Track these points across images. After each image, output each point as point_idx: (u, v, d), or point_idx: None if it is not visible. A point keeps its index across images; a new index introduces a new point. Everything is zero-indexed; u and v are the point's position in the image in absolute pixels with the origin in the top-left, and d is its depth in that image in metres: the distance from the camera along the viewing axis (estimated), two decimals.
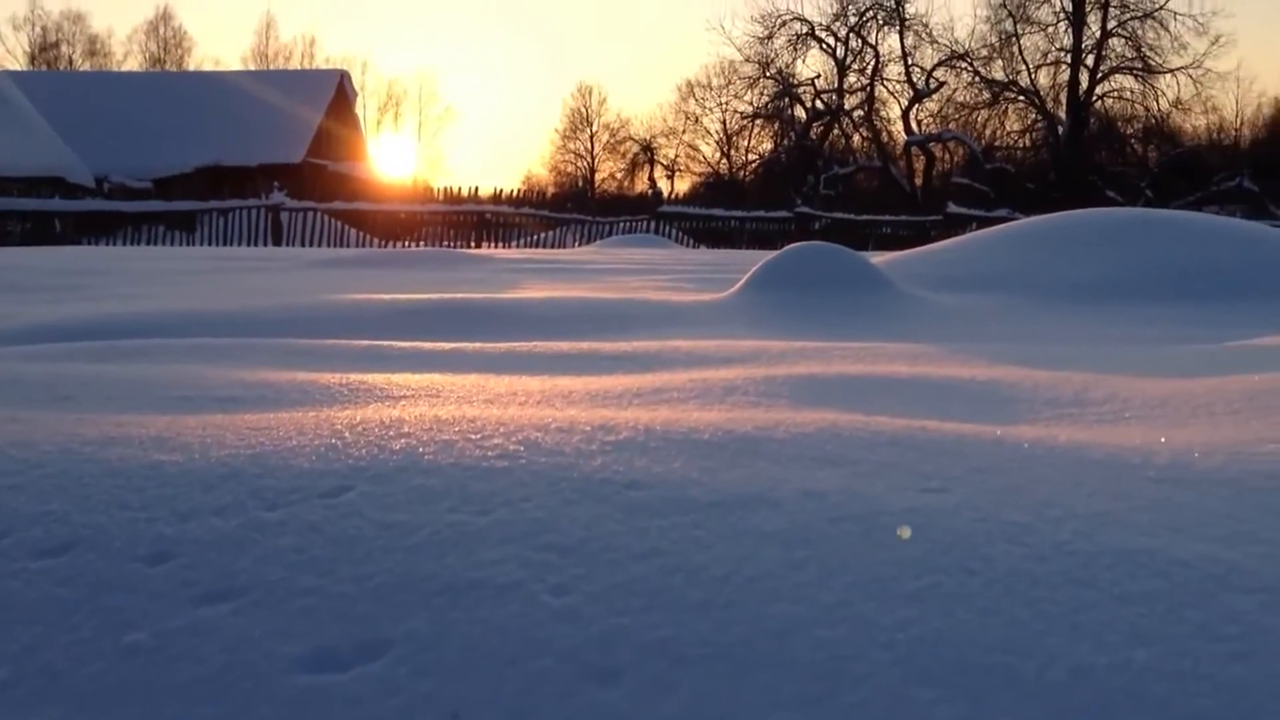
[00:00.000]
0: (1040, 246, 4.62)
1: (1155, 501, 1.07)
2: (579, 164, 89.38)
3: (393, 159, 79.52)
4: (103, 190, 31.28)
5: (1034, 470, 1.17)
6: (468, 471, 1.08)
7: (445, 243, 24.98)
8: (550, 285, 5.92)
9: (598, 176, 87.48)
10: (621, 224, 25.21)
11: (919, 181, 36.33)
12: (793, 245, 4.26)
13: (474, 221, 24.87)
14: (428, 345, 2.76)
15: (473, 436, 1.23)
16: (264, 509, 0.99)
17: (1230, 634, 0.81)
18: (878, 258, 5.00)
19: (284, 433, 1.27)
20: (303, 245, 23.35)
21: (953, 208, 27.39)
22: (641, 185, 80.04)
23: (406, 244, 24.78)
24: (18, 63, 76.46)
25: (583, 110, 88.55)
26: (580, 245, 24.97)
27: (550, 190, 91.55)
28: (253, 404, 1.84)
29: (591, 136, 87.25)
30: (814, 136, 39.68)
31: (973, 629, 0.81)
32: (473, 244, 24.54)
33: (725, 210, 25.63)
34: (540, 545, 0.92)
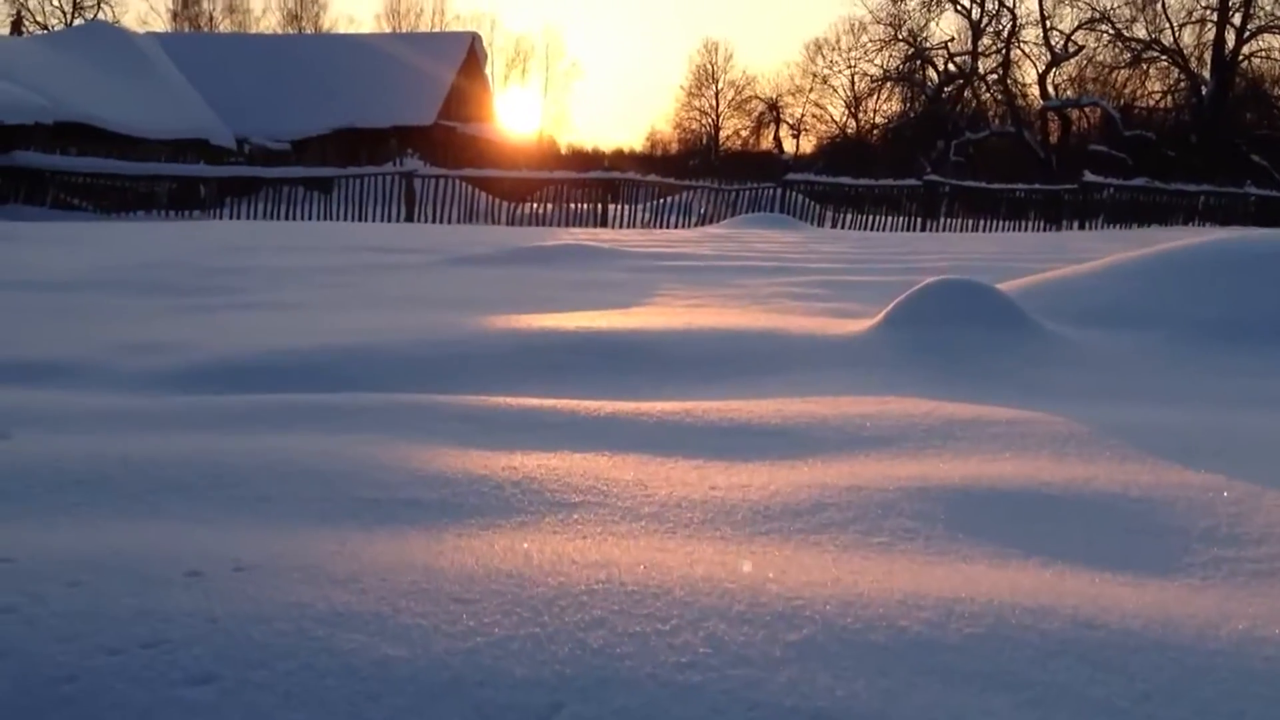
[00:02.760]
0: (1187, 276, 4.54)
1: None
2: (704, 121, 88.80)
3: (519, 115, 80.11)
4: (244, 152, 32.23)
5: (1199, 691, 1.23)
6: (665, 687, 1.19)
7: (571, 204, 25.19)
8: (687, 295, 6.00)
9: (722, 134, 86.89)
10: (747, 191, 25.10)
11: (1054, 147, 35.37)
12: (932, 281, 4.27)
13: (602, 187, 24.99)
14: (583, 409, 2.87)
15: (661, 628, 1.33)
16: None
17: None
18: (1014, 284, 4.96)
19: (489, 614, 1.38)
20: (435, 208, 23.77)
21: (1088, 176, 26.64)
22: (766, 143, 79.39)
23: (534, 206, 25.05)
24: (161, 20, 78.48)
25: (708, 67, 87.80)
26: (707, 209, 24.98)
27: (674, 146, 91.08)
28: (436, 512, 1.98)
29: (717, 94, 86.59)
30: (945, 100, 38.88)
31: None
32: (600, 205, 24.71)
33: (852, 179, 25.31)
34: None
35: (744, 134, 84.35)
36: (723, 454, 2.49)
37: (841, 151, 58.40)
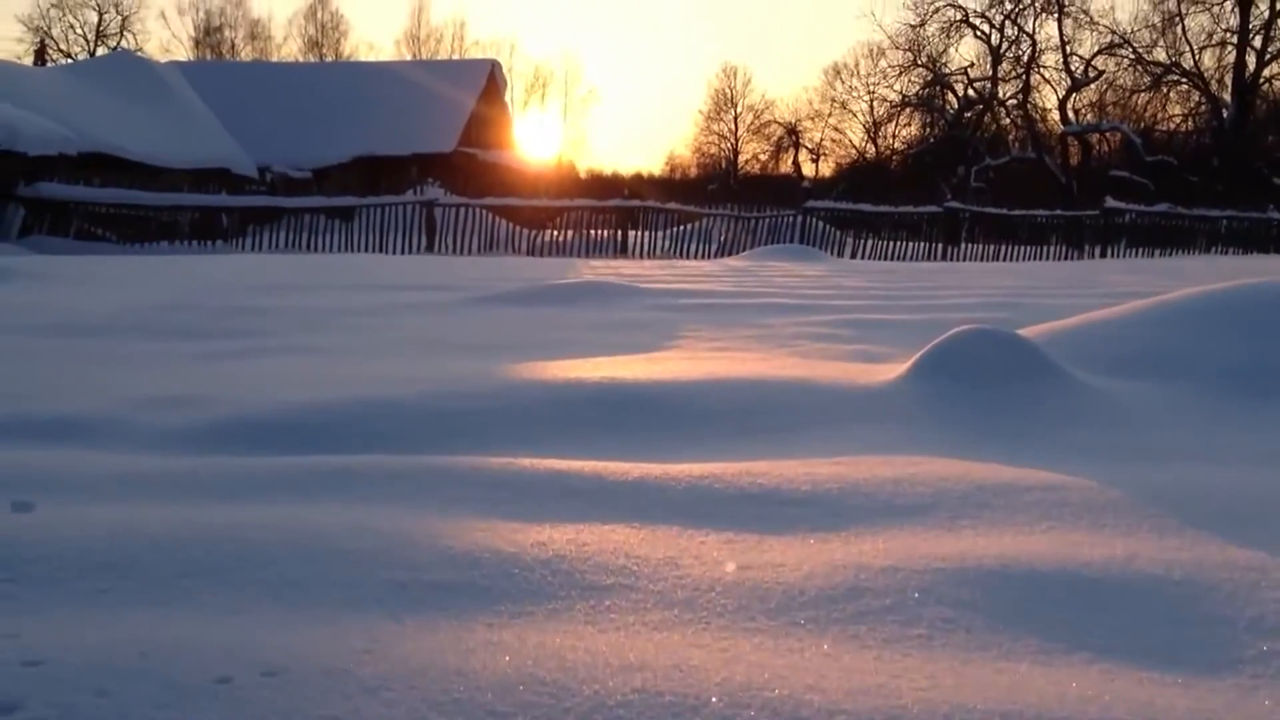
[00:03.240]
0: (1217, 323, 4.48)
1: None
2: (722, 145, 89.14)
3: (539, 140, 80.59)
4: (265, 180, 32.40)
5: None
6: None
7: (591, 232, 25.21)
8: (710, 337, 5.97)
9: (740, 158, 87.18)
10: (767, 219, 25.13)
11: (1075, 171, 35.27)
12: (961, 331, 4.22)
13: (622, 215, 25.06)
14: (612, 472, 2.84)
15: None
16: None
17: None
18: (1042, 329, 4.91)
19: None
20: (455, 237, 23.83)
21: (1110, 202, 26.58)
22: (785, 167, 79.54)
23: (554, 234, 25.07)
24: (183, 47, 79.27)
25: (727, 91, 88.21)
26: (727, 236, 24.96)
27: (693, 170, 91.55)
28: (465, 598, 1.95)
29: (735, 118, 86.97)
30: (965, 126, 38.86)
31: None
32: (620, 233, 24.74)
33: (873, 205, 25.30)
34: None
35: (763, 158, 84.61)
36: (753, 526, 2.46)
37: (861, 175, 58.42)
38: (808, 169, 78.31)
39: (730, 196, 68.19)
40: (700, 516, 2.52)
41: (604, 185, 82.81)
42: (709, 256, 24.55)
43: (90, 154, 24.09)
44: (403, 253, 23.49)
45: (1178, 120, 46.68)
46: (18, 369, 4.82)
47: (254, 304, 7.13)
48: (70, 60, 73.08)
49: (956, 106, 39.20)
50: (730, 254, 24.83)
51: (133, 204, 22.21)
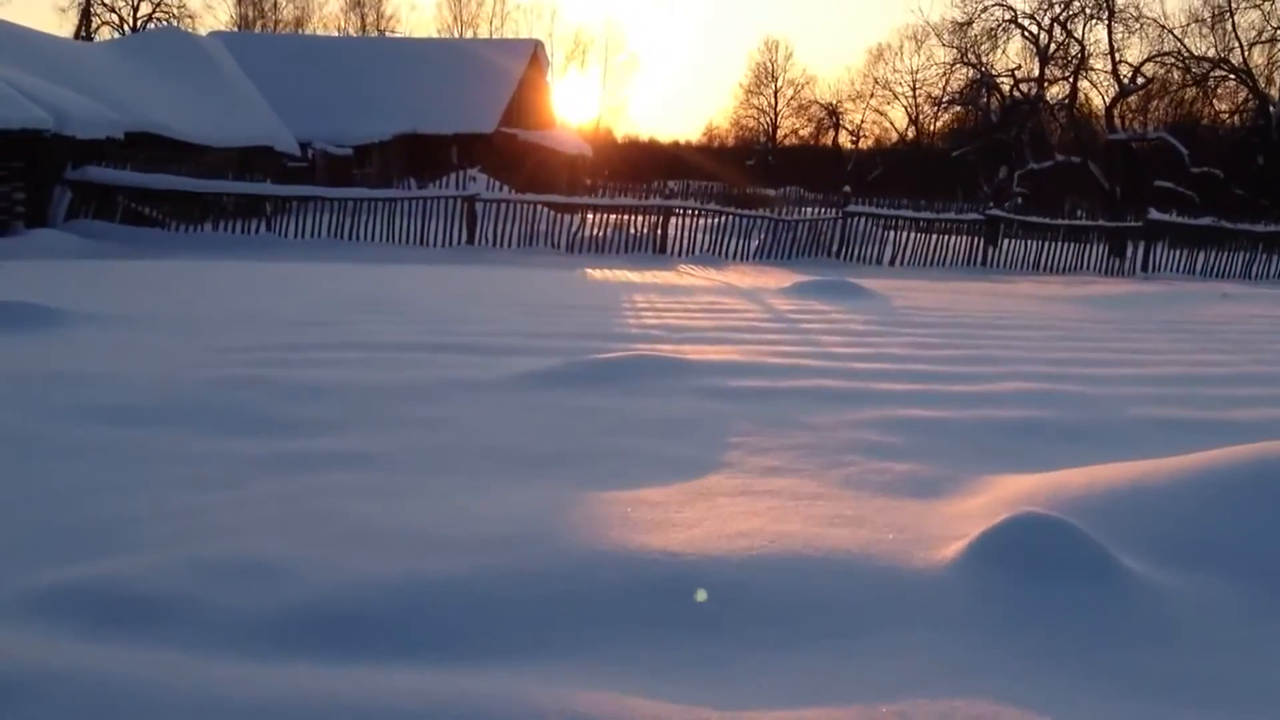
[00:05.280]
0: (1271, 500, 4.48)
1: None
2: (761, 119, 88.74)
3: (576, 104, 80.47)
4: (307, 157, 32.51)
5: None
6: None
7: (629, 219, 25.18)
8: (762, 447, 5.99)
9: (780, 133, 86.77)
10: (806, 224, 25.12)
11: (1120, 178, 34.95)
12: (1016, 521, 4.24)
13: (662, 213, 25.12)
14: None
15: None
16: None
17: None
18: (1097, 488, 4.92)
19: None
20: (495, 226, 23.92)
21: (1154, 214, 26.45)
22: (825, 142, 79.02)
23: (593, 229, 25.08)
24: (226, 3, 79.16)
25: (768, 65, 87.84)
26: (766, 238, 24.92)
27: (731, 140, 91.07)
28: None
29: (776, 92, 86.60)
30: (1009, 127, 38.53)
31: None
32: (659, 231, 24.75)
33: (913, 211, 25.23)
34: None
35: (802, 133, 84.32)
36: None
37: (901, 159, 58.08)
38: (846, 145, 77.98)
39: (768, 171, 68.14)
40: None
41: (641, 151, 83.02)
42: (748, 258, 24.52)
43: (137, 134, 24.27)
44: (443, 245, 23.60)
45: (1225, 116, 46.15)
46: (64, 486, 4.88)
47: (311, 379, 7.20)
48: (114, 13, 73.44)
49: (1001, 108, 38.81)
50: (770, 256, 24.79)
51: (177, 189, 22.38)
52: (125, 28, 72.41)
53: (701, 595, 3.92)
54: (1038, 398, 7.64)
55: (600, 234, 24.83)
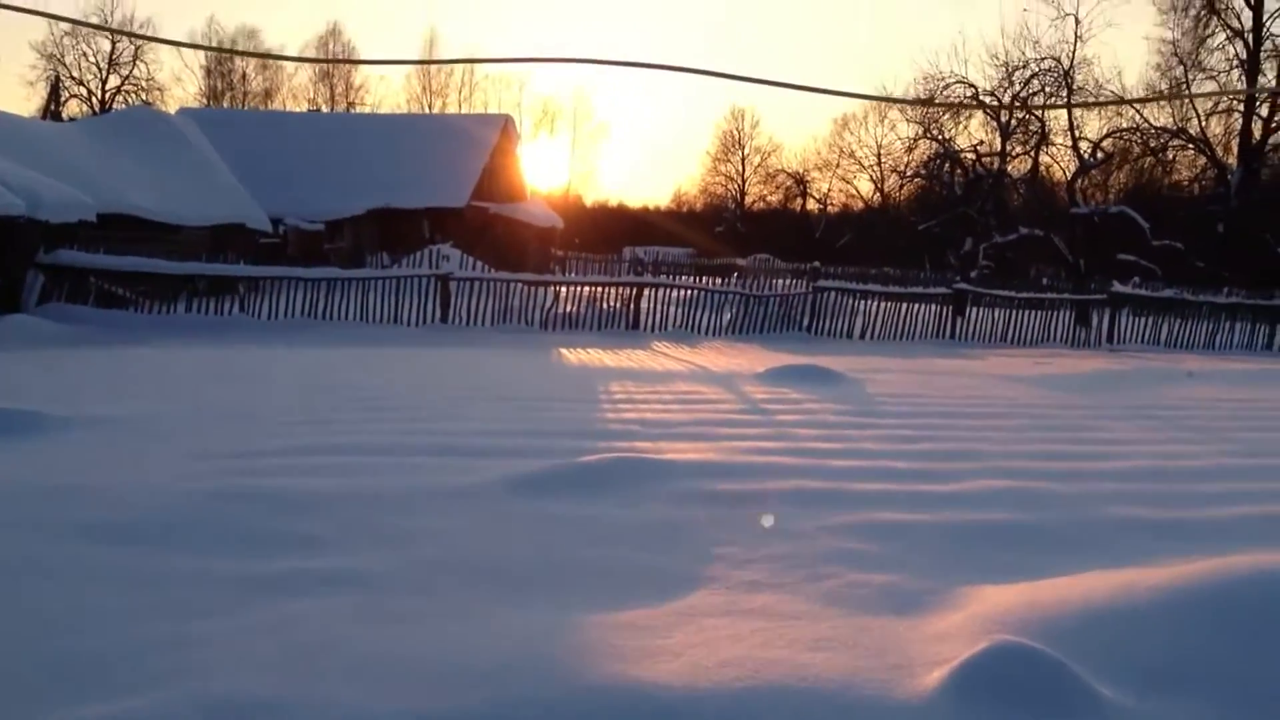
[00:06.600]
0: (1259, 624, 4.60)
1: None
2: (729, 185, 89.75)
3: (546, 171, 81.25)
4: (278, 233, 32.63)
5: None
6: None
7: (601, 290, 25.41)
8: (743, 559, 6.11)
9: (748, 199, 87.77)
10: (777, 299, 25.46)
11: (1083, 250, 35.60)
12: (992, 653, 4.37)
13: (634, 288, 25.41)
14: None
15: None
16: None
17: None
18: (1068, 623, 5.04)
19: None
20: (469, 302, 24.07)
21: (1117, 286, 26.97)
22: (793, 205, 79.91)
23: (567, 305, 25.29)
24: (194, 76, 79.84)
25: (734, 133, 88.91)
26: (737, 313, 25.19)
27: (699, 205, 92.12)
28: None
29: (743, 160, 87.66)
30: (973, 201, 39.26)
31: None
32: (632, 306, 24.96)
33: (882, 286, 25.66)
34: None
35: (770, 199, 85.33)
36: None
37: (870, 227, 58.80)
38: (814, 210, 78.92)
39: (738, 238, 68.72)
40: None
41: (611, 217, 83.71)
42: (720, 333, 24.77)
43: (109, 215, 24.36)
44: (417, 323, 23.72)
45: (1184, 184, 47.14)
46: (52, 614, 4.92)
47: (295, 490, 7.26)
48: (83, 86, 73.67)
49: (965, 180, 39.51)
50: (742, 332, 25.04)
51: (150, 272, 22.46)
52: (94, 100, 72.72)
53: None
54: (1010, 497, 7.79)
55: (574, 309, 25.04)
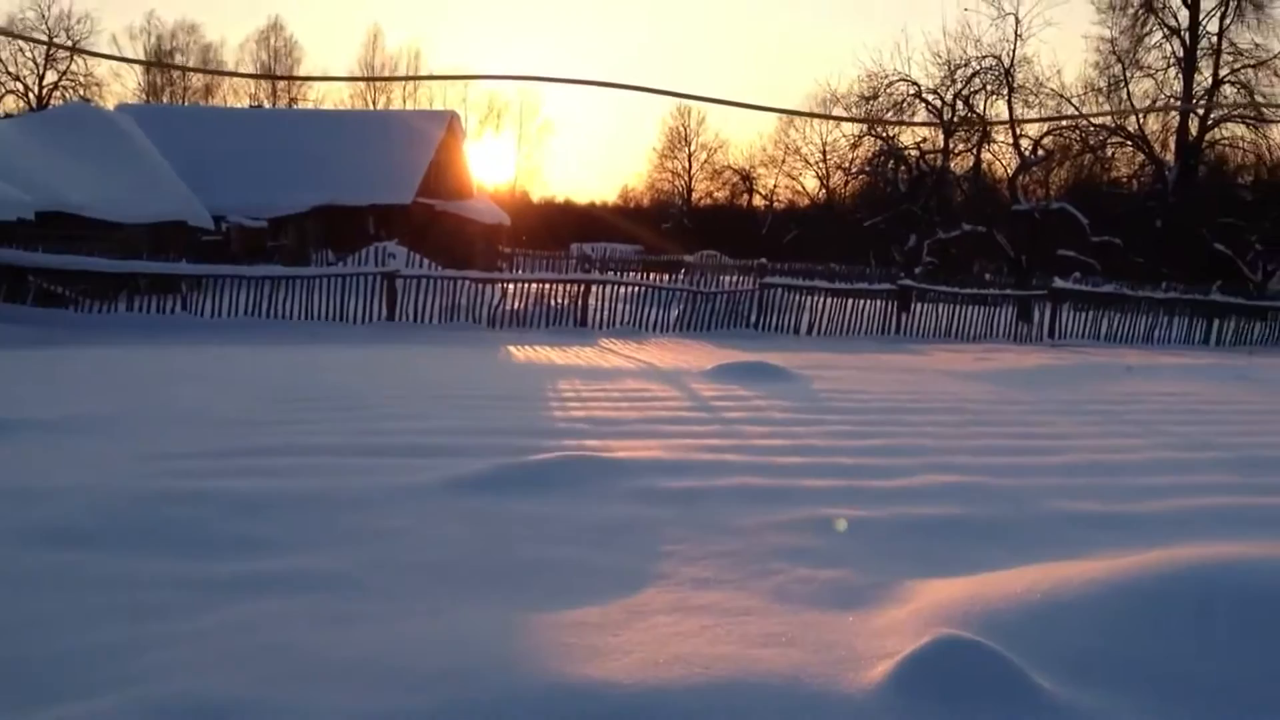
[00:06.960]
0: (1193, 617, 4.69)
1: None
2: (676, 182, 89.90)
3: (493, 169, 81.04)
4: (221, 231, 32.29)
5: None
6: None
7: (549, 287, 25.42)
8: (692, 556, 6.18)
9: (695, 195, 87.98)
10: (725, 295, 25.58)
11: (1025, 246, 36.09)
12: (937, 646, 4.47)
13: (582, 286, 25.44)
14: None
15: None
16: None
17: None
18: (1008, 616, 5.16)
19: None
20: (416, 301, 23.98)
21: (1058, 282, 27.39)
22: (740, 201, 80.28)
23: (514, 301, 25.29)
24: (134, 72, 78.82)
25: (681, 130, 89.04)
26: (685, 309, 25.30)
27: (646, 201, 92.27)
28: None
29: (689, 156, 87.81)
30: (917, 198, 39.68)
31: None
32: (580, 302, 24.98)
33: (828, 282, 25.90)
34: None
35: (717, 195, 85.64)
36: None
37: (816, 223, 59.20)
38: (761, 207, 79.33)
39: (685, 234, 68.87)
40: None
41: (558, 212, 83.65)
42: (668, 330, 24.86)
43: (48, 213, 24.03)
44: (363, 321, 23.60)
45: (1123, 180, 47.90)
46: (5, 619, 4.91)
47: (247, 490, 7.24)
48: (20, 81, 72.47)
49: (908, 178, 39.97)
50: (690, 328, 25.15)
51: (90, 270, 22.18)
52: (30, 96, 71.53)
53: None
54: (954, 492, 7.92)
55: (521, 307, 25.02)
